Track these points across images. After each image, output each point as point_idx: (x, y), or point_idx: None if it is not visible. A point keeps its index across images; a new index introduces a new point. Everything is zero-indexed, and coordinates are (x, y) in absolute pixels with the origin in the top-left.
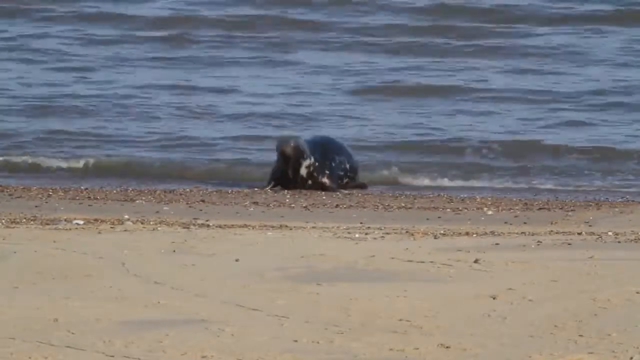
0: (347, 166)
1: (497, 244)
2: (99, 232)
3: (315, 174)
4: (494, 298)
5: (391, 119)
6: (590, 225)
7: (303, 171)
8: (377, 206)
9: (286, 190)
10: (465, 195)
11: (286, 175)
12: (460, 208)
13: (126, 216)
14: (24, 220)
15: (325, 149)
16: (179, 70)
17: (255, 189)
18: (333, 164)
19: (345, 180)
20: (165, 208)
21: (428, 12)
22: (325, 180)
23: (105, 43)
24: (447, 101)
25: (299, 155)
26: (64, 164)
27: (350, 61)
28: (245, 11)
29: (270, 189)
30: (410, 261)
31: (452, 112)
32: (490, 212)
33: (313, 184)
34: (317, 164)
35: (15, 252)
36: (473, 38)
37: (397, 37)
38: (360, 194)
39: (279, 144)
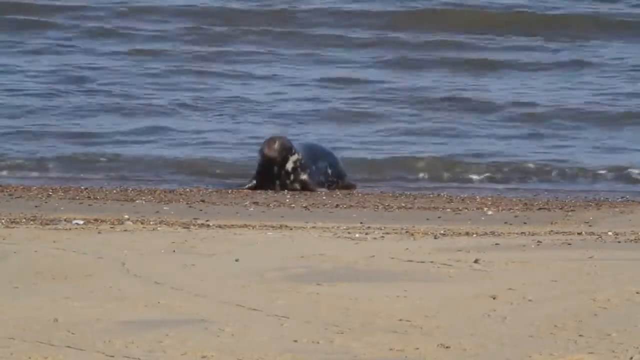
0: (329, 171)
1: (497, 244)
2: (99, 232)
3: (298, 170)
4: (494, 298)
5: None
6: (590, 225)
7: (289, 165)
8: (377, 206)
9: (286, 190)
10: (465, 195)
11: (269, 172)
12: (460, 208)
13: (126, 216)
14: (24, 220)
15: (309, 154)
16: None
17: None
18: (314, 167)
19: (326, 186)
20: (165, 208)
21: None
22: (306, 177)
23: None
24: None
25: (287, 152)
26: None
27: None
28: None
29: (247, 188)
30: (410, 261)
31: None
32: (490, 212)
33: (294, 180)
34: (303, 160)
35: (15, 252)
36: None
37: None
38: (360, 194)
39: (262, 146)
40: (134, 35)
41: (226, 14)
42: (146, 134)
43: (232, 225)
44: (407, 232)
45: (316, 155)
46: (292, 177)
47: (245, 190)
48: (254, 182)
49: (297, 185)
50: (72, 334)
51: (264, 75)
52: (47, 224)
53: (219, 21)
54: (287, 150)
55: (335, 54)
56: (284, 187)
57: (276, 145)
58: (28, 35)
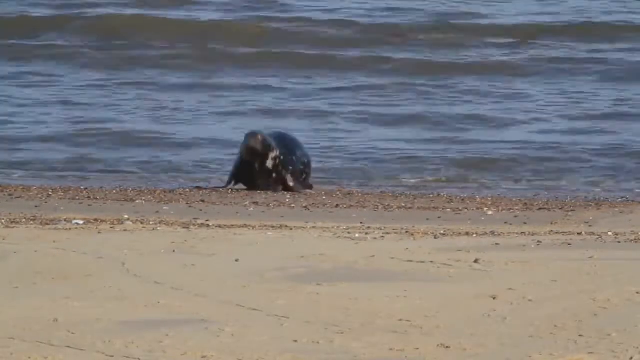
0: (306, 161)
1: (497, 244)
2: (99, 232)
3: (279, 168)
4: (494, 298)
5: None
6: (590, 226)
7: (269, 163)
8: (377, 206)
9: (285, 191)
10: (465, 195)
11: (249, 170)
12: (460, 208)
13: (126, 216)
14: (24, 220)
15: (286, 143)
16: None
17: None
18: (294, 158)
19: (303, 177)
20: (165, 208)
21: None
22: (289, 176)
23: None
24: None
25: (267, 149)
26: None
27: None
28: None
29: (230, 187)
30: (410, 261)
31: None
32: (490, 212)
33: (276, 179)
34: (282, 157)
35: (15, 252)
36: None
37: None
38: (360, 194)
39: (246, 139)
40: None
41: None
42: None
43: (232, 225)
44: (407, 232)
45: (293, 144)
46: (274, 175)
47: (245, 191)
48: (233, 182)
49: (279, 182)
50: (72, 334)
51: None
52: (47, 224)
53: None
54: (267, 146)
55: None
56: (265, 185)
57: (259, 138)
58: None
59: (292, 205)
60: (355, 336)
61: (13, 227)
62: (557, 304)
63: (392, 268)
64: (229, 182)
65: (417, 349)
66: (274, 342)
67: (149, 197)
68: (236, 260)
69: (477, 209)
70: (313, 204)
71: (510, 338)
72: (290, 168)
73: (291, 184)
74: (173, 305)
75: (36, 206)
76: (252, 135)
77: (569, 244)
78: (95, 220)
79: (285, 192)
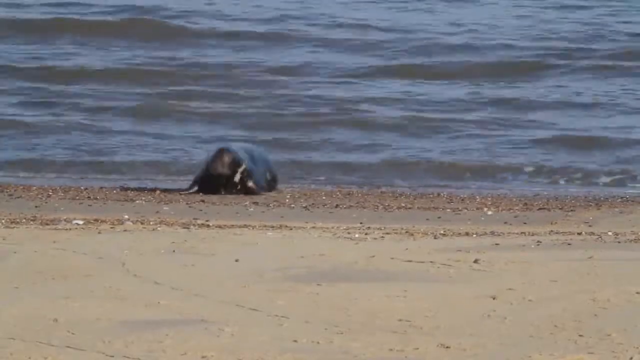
0: (269, 176)
1: (497, 244)
2: (99, 232)
3: (244, 179)
4: (493, 298)
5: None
6: (590, 226)
7: (237, 177)
8: (377, 206)
9: (286, 191)
10: (465, 195)
11: (214, 181)
12: (460, 208)
13: (126, 216)
14: (24, 220)
15: (252, 156)
16: None
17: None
18: (258, 172)
19: (266, 188)
20: (165, 208)
21: None
22: (252, 185)
23: None
24: None
25: (235, 167)
26: None
27: None
28: None
29: (188, 193)
30: (410, 261)
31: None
32: (490, 212)
33: (241, 189)
34: (248, 169)
35: (15, 252)
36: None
37: None
38: (360, 194)
39: (213, 162)
40: None
41: None
42: None
43: (232, 225)
44: (407, 232)
45: (259, 158)
46: (239, 187)
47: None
48: (196, 187)
49: (244, 191)
50: (72, 334)
51: None
52: (47, 224)
53: None
54: (235, 164)
55: None
56: (228, 193)
57: (227, 160)
58: None
59: (292, 205)
60: (355, 336)
61: (13, 227)
62: (557, 304)
63: (392, 268)
64: (192, 186)
65: (417, 349)
66: (273, 342)
67: (149, 197)
68: (236, 261)
69: (477, 209)
70: (313, 204)
71: (510, 338)
72: (254, 177)
73: (253, 187)
74: (173, 305)
75: (36, 206)
76: (220, 156)
77: (569, 244)
78: (96, 220)
79: (285, 192)
